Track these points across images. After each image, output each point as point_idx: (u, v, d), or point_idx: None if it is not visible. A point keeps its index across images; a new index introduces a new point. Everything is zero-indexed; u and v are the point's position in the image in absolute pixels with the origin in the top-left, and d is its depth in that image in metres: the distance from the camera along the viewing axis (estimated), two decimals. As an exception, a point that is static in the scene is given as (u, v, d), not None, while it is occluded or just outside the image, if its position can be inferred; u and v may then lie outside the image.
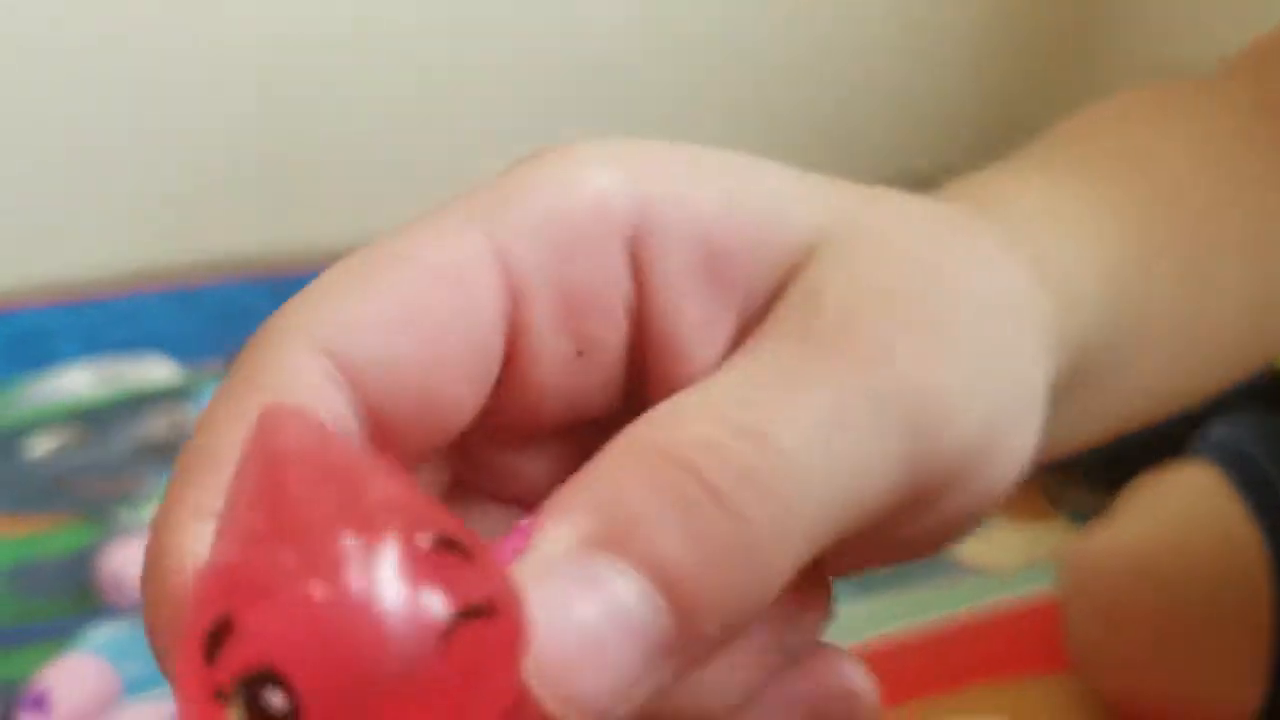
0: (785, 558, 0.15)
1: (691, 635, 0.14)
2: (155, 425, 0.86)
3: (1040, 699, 0.58)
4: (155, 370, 0.94)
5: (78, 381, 0.92)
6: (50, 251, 1.08)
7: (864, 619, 0.64)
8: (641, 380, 0.18)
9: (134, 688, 0.59)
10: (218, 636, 0.12)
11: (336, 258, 0.17)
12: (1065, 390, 0.20)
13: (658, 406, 0.16)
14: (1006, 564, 0.69)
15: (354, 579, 0.12)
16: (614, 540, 0.14)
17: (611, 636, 0.14)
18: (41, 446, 0.84)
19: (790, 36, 1.21)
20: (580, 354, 0.18)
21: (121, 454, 0.84)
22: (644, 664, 0.14)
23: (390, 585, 0.12)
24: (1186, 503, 0.53)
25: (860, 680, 0.18)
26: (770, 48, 1.20)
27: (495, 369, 0.17)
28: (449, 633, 0.12)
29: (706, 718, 0.16)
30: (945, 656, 0.62)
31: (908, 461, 0.16)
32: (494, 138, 1.16)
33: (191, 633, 0.12)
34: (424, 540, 0.12)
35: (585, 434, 0.19)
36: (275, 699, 0.12)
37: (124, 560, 0.66)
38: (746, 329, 0.18)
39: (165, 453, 0.83)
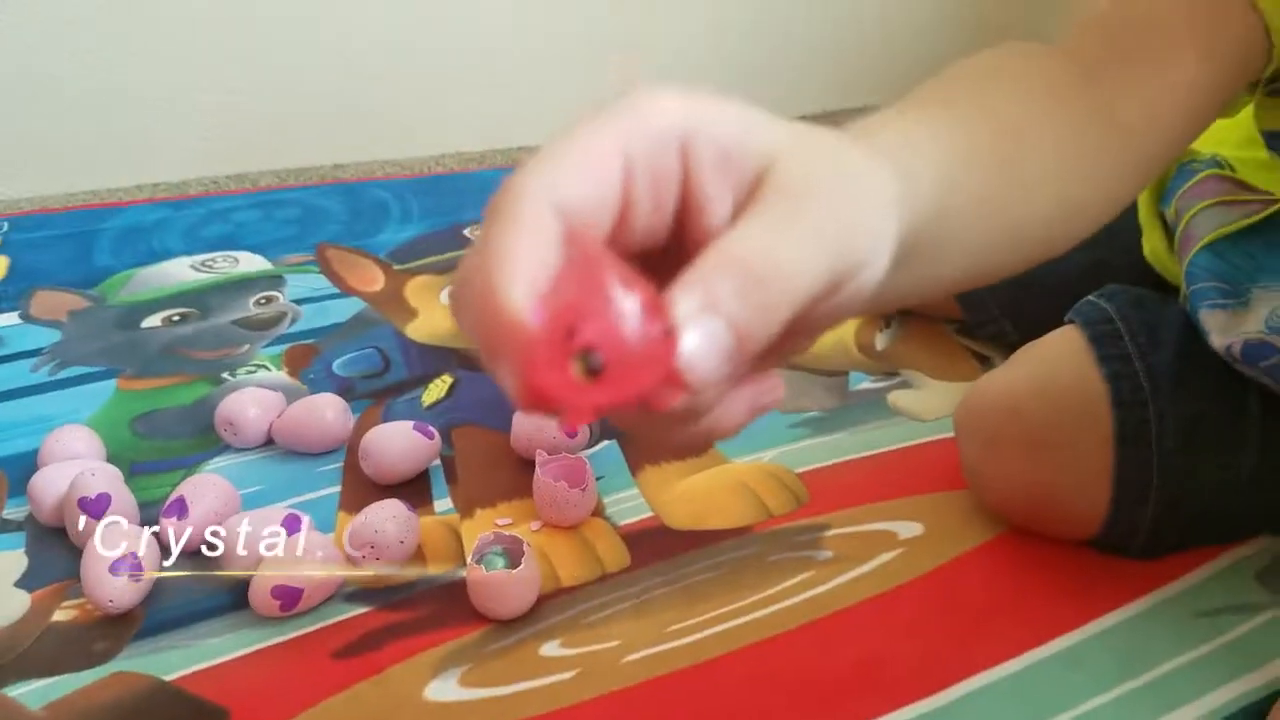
0: (787, 310, 0.25)
1: (741, 352, 0.25)
2: (252, 305, 0.91)
3: (946, 509, 0.63)
4: (246, 262, 0.98)
5: (181, 270, 0.97)
6: (154, 158, 1.15)
7: (819, 451, 0.70)
8: (680, 228, 0.28)
9: (249, 504, 0.64)
10: (568, 333, 0.23)
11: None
12: (906, 254, 0.29)
13: (723, 238, 0.25)
14: (929, 412, 0.74)
15: (631, 314, 0.23)
16: (710, 305, 0.24)
17: (712, 349, 0.24)
18: (157, 323, 0.89)
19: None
20: (655, 210, 0.27)
21: (225, 328, 0.88)
22: (722, 363, 0.24)
23: (647, 317, 0.23)
24: (1050, 353, 0.60)
25: (776, 379, 0.28)
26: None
27: (618, 213, 0.26)
28: (664, 338, 0.23)
29: (701, 410, 0.27)
30: (877, 478, 0.67)
31: (835, 264, 0.26)
32: (523, 88, 1.25)
33: (552, 331, 0.23)
34: (652, 297, 0.23)
35: (644, 258, 0.28)
36: (595, 359, 0.23)
37: (237, 407, 0.71)
38: (740, 202, 0.27)
39: (262, 327, 0.88)
